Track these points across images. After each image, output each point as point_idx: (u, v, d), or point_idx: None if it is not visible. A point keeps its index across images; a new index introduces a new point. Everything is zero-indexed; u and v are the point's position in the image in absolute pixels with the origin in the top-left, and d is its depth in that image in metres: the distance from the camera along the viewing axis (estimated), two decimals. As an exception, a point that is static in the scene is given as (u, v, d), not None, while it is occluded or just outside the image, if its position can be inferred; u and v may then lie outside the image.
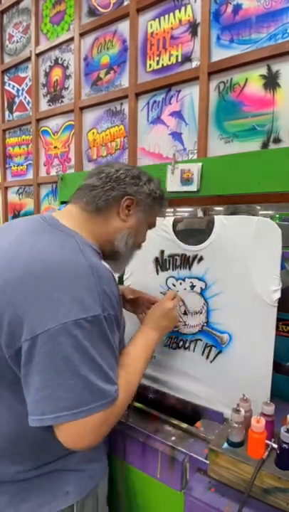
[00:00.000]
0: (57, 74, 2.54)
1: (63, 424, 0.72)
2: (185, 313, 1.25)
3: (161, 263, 1.32)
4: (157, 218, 1.10)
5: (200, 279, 1.22)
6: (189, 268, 1.25)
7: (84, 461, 0.95)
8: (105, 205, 0.92)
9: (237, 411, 0.89)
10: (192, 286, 1.24)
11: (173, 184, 1.48)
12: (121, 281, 1.43)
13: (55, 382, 0.71)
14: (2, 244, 0.83)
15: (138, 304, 1.20)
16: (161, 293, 1.30)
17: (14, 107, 2.96)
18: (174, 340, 1.26)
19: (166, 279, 1.30)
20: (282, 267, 1.09)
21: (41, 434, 0.77)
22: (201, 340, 1.20)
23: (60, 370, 0.71)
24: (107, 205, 0.92)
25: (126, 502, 1.12)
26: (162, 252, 1.32)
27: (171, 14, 1.85)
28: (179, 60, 1.83)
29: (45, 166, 2.73)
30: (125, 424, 1.09)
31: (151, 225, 1.07)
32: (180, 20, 1.82)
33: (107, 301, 0.77)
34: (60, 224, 0.87)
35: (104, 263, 0.86)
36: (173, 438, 1.04)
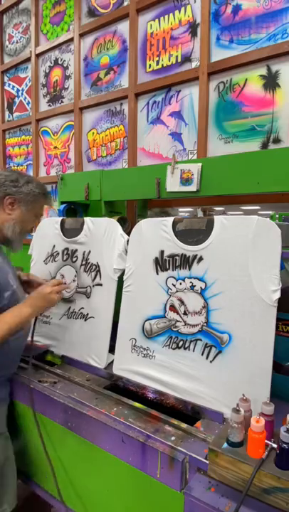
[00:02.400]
0: (57, 74, 2.54)
1: None
2: (185, 314, 1.25)
3: (161, 263, 1.32)
4: (159, 219, 1.21)
5: (200, 279, 1.22)
6: (189, 268, 1.25)
7: None
8: None
9: (237, 411, 0.88)
10: (192, 286, 1.24)
11: (172, 184, 1.48)
12: (121, 281, 1.43)
13: None
14: None
15: (30, 285, 1.50)
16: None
17: (14, 108, 2.96)
18: (174, 340, 1.26)
19: (166, 279, 1.30)
20: (282, 267, 1.09)
21: None
22: (201, 340, 1.20)
23: None
24: None
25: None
26: (162, 252, 1.32)
27: (171, 14, 1.85)
28: (179, 60, 1.83)
29: (45, 166, 2.73)
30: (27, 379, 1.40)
31: (38, 214, 1.41)
32: (180, 21, 1.82)
33: None
34: None
35: None
36: (173, 438, 1.04)
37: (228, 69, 1.64)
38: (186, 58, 1.80)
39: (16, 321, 1.23)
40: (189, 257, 1.25)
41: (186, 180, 1.43)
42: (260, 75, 1.56)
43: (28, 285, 1.50)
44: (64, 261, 1.67)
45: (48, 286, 1.34)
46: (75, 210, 2.00)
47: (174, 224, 1.32)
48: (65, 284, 1.50)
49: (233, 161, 1.34)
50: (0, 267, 1.29)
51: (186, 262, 1.26)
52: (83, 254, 1.59)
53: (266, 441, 0.84)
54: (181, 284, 1.27)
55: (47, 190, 1.42)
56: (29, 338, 1.60)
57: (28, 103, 2.82)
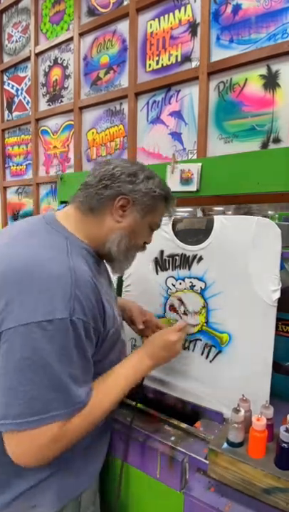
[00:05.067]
0: (56, 74, 2.54)
1: (10, 433, 0.69)
2: (185, 313, 1.25)
3: (161, 263, 1.32)
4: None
5: (200, 279, 1.22)
6: (189, 268, 1.25)
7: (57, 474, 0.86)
8: (98, 205, 0.87)
9: (237, 411, 0.88)
10: (192, 286, 1.24)
11: (172, 184, 1.48)
12: (121, 281, 1.43)
13: (6, 386, 0.69)
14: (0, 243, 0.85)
15: (145, 326, 1.16)
16: (162, 317, 1.30)
17: (13, 107, 2.96)
18: (174, 340, 1.26)
19: (166, 279, 1.30)
20: (282, 267, 1.09)
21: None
22: (201, 340, 1.20)
23: (11, 373, 0.69)
24: (100, 205, 0.87)
25: (124, 502, 1.12)
26: (162, 252, 1.32)
27: (171, 14, 1.85)
28: (179, 60, 1.83)
29: (44, 165, 2.72)
30: (127, 426, 1.07)
31: (153, 225, 0.98)
32: (180, 20, 1.82)
33: (79, 305, 0.73)
34: (59, 225, 0.87)
35: (85, 268, 0.81)
36: (172, 438, 1.04)
37: (228, 69, 1.64)
38: (186, 58, 1.80)
39: (137, 377, 0.92)
40: (189, 256, 1.25)
41: (185, 180, 1.43)
42: (260, 75, 1.56)
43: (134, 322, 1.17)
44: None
45: (174, 333, 0.99)
46: (75, 210, 2.00)
47: (174, 224, 1.32)
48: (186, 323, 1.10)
49: (233, 161, 1.34)
50: (107, 297, 0.88)
51: (186, 261, 1.26)
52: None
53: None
54: (180, 283, 1.27)
55: (170, 193, 0.98)
56: None
57: (27, 102, 2.82)
